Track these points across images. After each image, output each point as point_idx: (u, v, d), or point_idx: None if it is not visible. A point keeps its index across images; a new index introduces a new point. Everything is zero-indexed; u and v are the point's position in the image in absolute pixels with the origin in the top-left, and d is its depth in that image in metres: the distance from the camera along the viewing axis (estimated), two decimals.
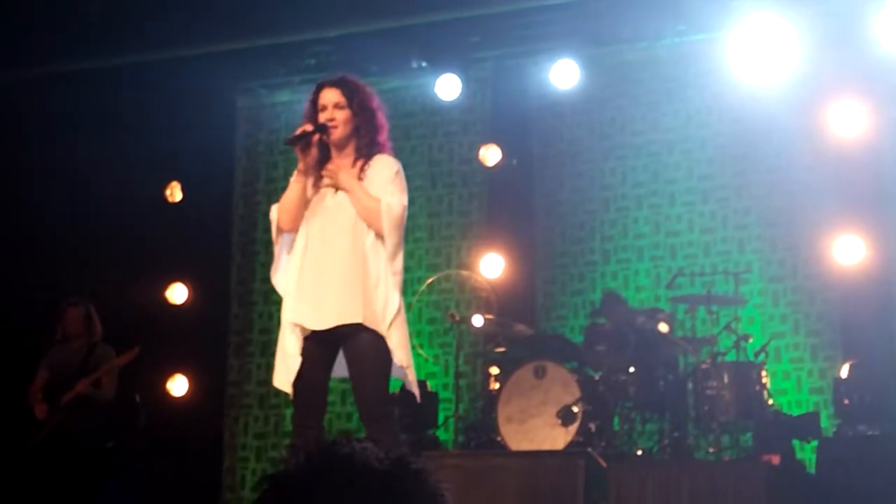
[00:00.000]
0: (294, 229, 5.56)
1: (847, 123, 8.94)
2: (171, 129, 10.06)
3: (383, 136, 5.61)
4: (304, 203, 5.54)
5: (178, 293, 10.57)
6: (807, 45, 9.16)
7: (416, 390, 5.54)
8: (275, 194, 10.89)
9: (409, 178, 10.36)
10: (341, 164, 5.53)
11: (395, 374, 5.49)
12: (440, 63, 10.09)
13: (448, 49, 10.02)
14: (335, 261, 5.41)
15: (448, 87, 10.12)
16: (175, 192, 10.57)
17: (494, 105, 10.35)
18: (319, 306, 5.40)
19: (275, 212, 5.64)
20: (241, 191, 11.06)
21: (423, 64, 10.15)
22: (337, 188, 5.50)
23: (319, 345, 5.43)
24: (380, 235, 5.39)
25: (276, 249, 5.65)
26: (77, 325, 9.04)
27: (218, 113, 10.64)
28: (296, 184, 5.54)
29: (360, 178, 5.47)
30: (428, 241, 10.51)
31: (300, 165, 5.54)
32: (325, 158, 5.55)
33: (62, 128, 10.37)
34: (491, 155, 10.05)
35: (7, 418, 9.23)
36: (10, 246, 10.35)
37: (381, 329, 5.32)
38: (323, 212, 5.51)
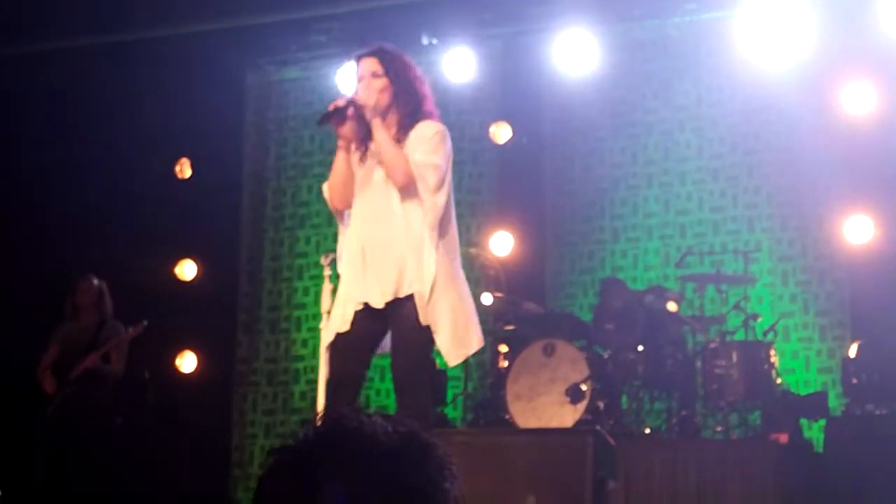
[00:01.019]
0: (347, 206, 5.52)
1: (859, 102, 8.91)
2: (180, 105, 10.06)
3: (428, 105, 5.55)
4: (350, 179, 5.48)
5: (187, 270, 10.58)
6: (819, 24, 9.12)
7: (450, 354, 5.42)
8: (284, 171, 10.95)
9: None
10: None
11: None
12: (451, 40, 10.06)
13: (459, 26, 9.99)
14: (380, 238, 5.38)
15: (459, 64, 10.10)
16: (184, 169, 10.57)
17: (505, 83, 10.32)
18: (371, 285, 5.37)
19: (326, 191, 5.61)
20: (250, 167, 11.05)
21: (434, 41, 10.12)
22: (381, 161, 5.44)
23: (368, 319, 5.40)
24: (416, 198, 5.31)
25: (340, 230, 5.62)
26: (89, 296, 9.05)
27: (227, 89, 10.61)
28: (338, 160, 5.50)
29: (400, 144, 5.40)
30: None
31: (339, 141, 5.50)
32: (369, 131, 5.48)
33: (71, 104, 10.38)
34: (501, 133, 10.03)
35: (18, 395, 9.26)
36: (19, 223, 10.37)
37: (424, 295, 5.28)
38: (370, 187, 5.45)
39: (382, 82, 5.45)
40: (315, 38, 10.16)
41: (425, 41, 10.11)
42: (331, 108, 5.46)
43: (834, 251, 9.15)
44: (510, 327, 8.92)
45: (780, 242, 9.40)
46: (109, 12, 9.91)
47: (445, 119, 10.34)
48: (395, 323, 5.38)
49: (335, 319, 5.49)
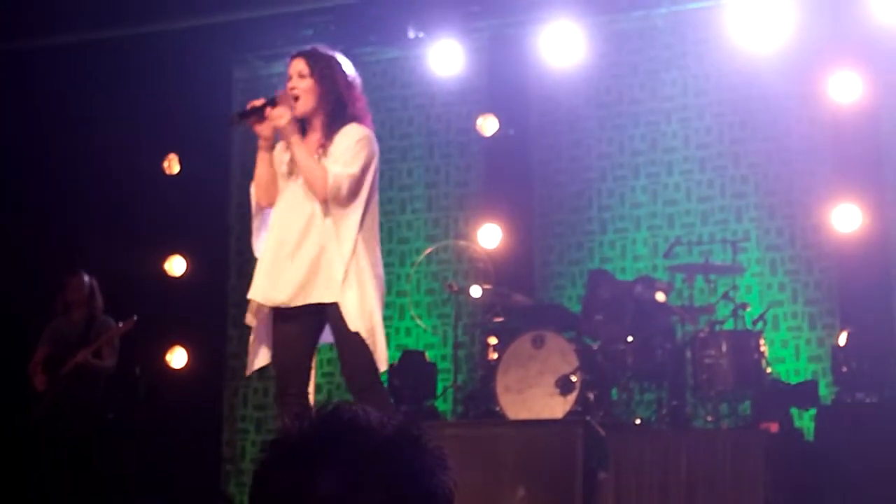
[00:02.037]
0: (271, 204, 5.56)
1: (844, 91, 8.92)
2: (168, 101, 10.04)
3: (355, 107, 5.51)
4: (273, 178, 5.52)
5: (176, 265, 10.57)
6: (804, 13, 9.14)
7: (380, 359, 5.37)
8: None
9: (406, 149, 10.52)
10: (310, 140, 5.47)
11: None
12: (437, 33, 10.06)
13: (445, 19, 9.99)
14: (295, 237, 5.40)
15: (445, 57, 10.11)
16: (173, 165, 10.55)
17: (492, 75, 10.32)
18: (281, 283, 5.40)
19: (253, 189, 5.63)
20: (238, 161, 11.02)
21: (421, 34, 10.12)
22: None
23: (288, 320, 5.44)
24: (324, 203, 5.34)
25: (255, 224, 5.64)
26: (79, 292, 9.04)
27: (215, 84, 10.61)
28: (260, 160, 5.52)
29: (324, 152, 5.41)
30: (426, 212, 10.50)
31: (259, 141, 5.51)
32: (301, 133, 5.50)
33: (58, 100, 10.35)
34: (488, 125, 10.03)
35: (9, 392, 9.25)
36: (7, 220, 10.35)
37: (336, 297, 5.30)
38: (288, 186, 5.50)
39: (308, 83, 5.45)
40: (302, 32, 10.14)
41: (412, 34, 10.12)
42: (248, 106, 5.47)
43: (822, 240, 9.17)
44: (499, 319, 8.93)
45: (769, 232, 9.42)
46: (95, 9, 9.90)
47: (432, 111, 10.54)
48: (333, 327, 5.41)
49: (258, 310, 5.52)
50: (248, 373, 5.85)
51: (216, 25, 10.17)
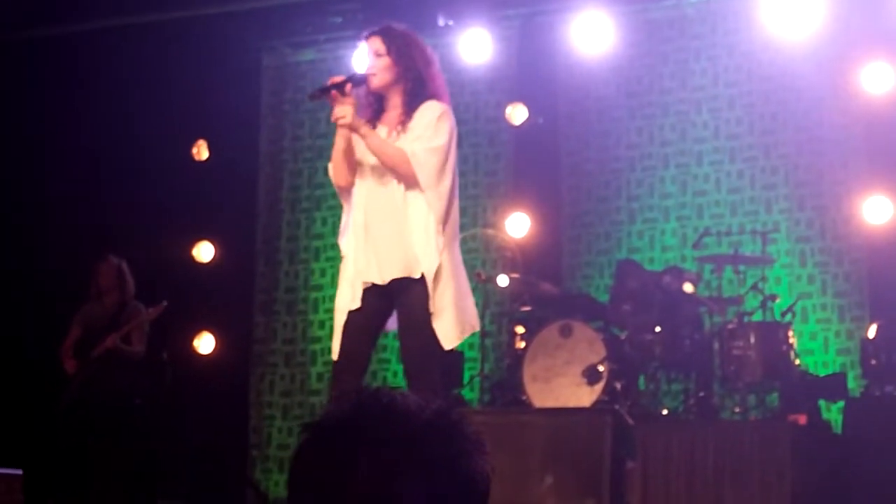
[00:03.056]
0: (349, 183, 5.51)
1: (877, 82, 8.87)
2: (196, 87, 10.06)
3: (434, 84, 5.49)
4: (351, 155, 5.47)
5: (204, 251, 10.60)
6: (836, 3, 9.09)
7: (447, 338, 5.34)
8: (300, 153, 10.95)
9: None
10: (389, 117, 5.46)
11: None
12: (467, 21, 10.05)
13: (475, 7, 9.98)
14: (383, 215, 5.38)
15: (475, 45, 10.09)
16: (201, 151, 10.58)
17: (521, 63, 10.29)
18: (373, 261, 5.38)
19: (330, 169, 5.61)
20: (266, 149, 11.05)
21: (450, 22, 10.11)
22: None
23: (376, 297, 5.42)
24: (415, 184, 5.31)
25: (345, 208, 5.62)
26: (110, 278, 9.08)
27: (243, 71, 10.62)
28: (338, 137, 5.49)
29: (403, 129, 5.40)
30: None
31: (338, 120, 5.47)
32: (378, 111, 5.49)
33: (89, 86, 10.39)
34: (517, 114, 10.01)
35: (40, 376, 9.30)
36: (38, 205, 10.40)
37: (429, 281, 5.28)
38: (374, 167, 5.45)
39: (385, 61, 5.43)
40: (331, 19, 10.15)
41: (441, 22, 10.11)
42: (329, 83, 5.44)
43: (852, 232, 9.12)
44: (527, 308, 8.92)
45: (798, 223, 9.37)
46: None
47: (461, 100, 10.50)
48: (401, 305, 5.39)
49: (344, 297, 5.49)
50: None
51: (245, 12, 10.19)
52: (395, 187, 5.37)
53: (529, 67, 10.23)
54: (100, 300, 9.10)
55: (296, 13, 10.32)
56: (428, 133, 5.33)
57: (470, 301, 5.51)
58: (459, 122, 10.35)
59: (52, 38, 10.57)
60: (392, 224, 5.36)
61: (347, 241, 5.53)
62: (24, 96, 10.55)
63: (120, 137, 10.25)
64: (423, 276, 5.30)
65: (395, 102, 5.47)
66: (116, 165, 10.31)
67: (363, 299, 5.43)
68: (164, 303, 8.93)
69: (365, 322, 5.46)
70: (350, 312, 5.46)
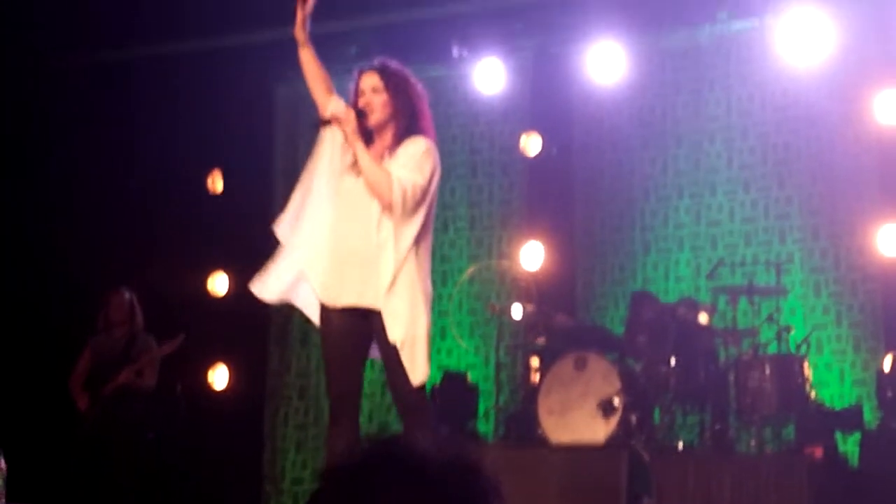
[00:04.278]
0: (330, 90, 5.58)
1: (889, 111, 8.86)
2: (211, 119, 10.10)
3: (424, 122, 5.54)
4: (323, 72, 5.66)
5: (219, 283, 10.61)
6: (849, 33, 9.08)
7: (415, 373, 5.29)
8: None
9: (449, 168, 10.50)
10: (375, 148, 5.48)
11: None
12: (481, 52, 10.07)
13: (489, 37, 10.00)
14: (355, 240, 5.38)
15: (489, 75, 10.12)
16: (216, 182, 10.60)
17: (535, 94, 10.31)
18: (346, 285, 5.38)
19: (311, 87, 5.70)
20: (281, 181, 11.06)
21: (465, 52, 10.13)
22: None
23: (357, 319, 5.40)
24: (389, 209, 5.32)
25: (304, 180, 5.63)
26: (121, 312, 9.09)
27: (258, 103, 10.65)
28: (303, 58, 5.73)
29: (390, 155, 5.42)
30: (469, 231, 10.50)
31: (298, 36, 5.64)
32: (367, 142, 5.50)
33: (104, 118, 10.42)
34: (531, 144, 10.03)
35: (51, 409, 9.30)
36: (53, 235, 10.42)
37: (381, 305, 5.27)
38: (349, 189, 5.45)
39: (382, 98, 5.48)
40: (346, 50, 10.16)
41: (455, 53, 10.12)
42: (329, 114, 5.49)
43: (866, 262, 9.09)
44: (541, 340, 8.90)
45: (812, 253, 9.35)
46: (140, 27, 9.96)
47: (475, 130, 10.53)
48: (378, 337, 5.37)
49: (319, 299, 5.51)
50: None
51: (259, 44, 10.21)
52: (370, 213, 5.38)
53: (543, 98, 10.24)
54: (109, 332, 9.10)
55: (311, 43, 10.33)
56: (411, 164, 5.37)
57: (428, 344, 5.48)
58: (473, 151, 10.52)
59: (66, 70, 10.61)
60: (362, 252, 5.35)
61: (313, 259, 5.51)
62: (40, 127, 10.59)
63: (135, 168, 10.29)
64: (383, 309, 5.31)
65: (385, 136, 5.52)
66: (132, 196, 10.34)
67: (343, 324, 5.42)
68: (181, 336, 8.94)
69: (348, 352, 5.46)
70: (332, 347, 5.46)
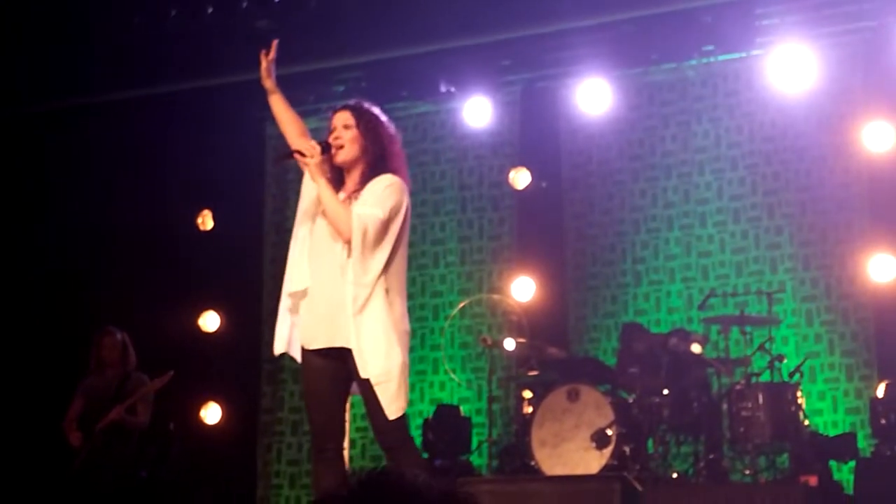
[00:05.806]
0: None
1: (878, 140, 8.90)
2: (201, 157, 10.11)
3: (395, 163, 5.54)
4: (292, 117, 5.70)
5: (210, 321, 10.60)
6: (836, 64, 9.14)
7: (390, 408, 5.26)
8: None
9: (439, 203, 10.54)
10: (345, 188, 5.50)
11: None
12: (469, 87, 10.11)
13: (477, 73, 10.04)
14: (324, 282, 5.37)
15: (477, 110, 10.15)
16: (206, 221, 10.61)
17: (523, 128, 10.35)
18: (315, 325, 5.39)
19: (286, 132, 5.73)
20: (271, 218, 11.08)
21: (452, 88, 10.17)
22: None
23: (333, 360, 5.39)
24: (349, 245, 5.31)
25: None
26: (112, 353, 9.06)
27: (247, 141, 10.68)
28: (275, 109, 5.73)
29: (356, 196, 5.41)
30: (459, 266, 10.50)
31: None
32: (338, 182, 5.53)
33: (93, 158, 10.44)
34: (520, 178, 10.05)
35: (43, 448, 9.26)
36: (44, 275, 10.42)
37: (350, 343, 5.26)
38: (317, 223, 5.47)
39: (352, 133, 5.51)
40: (335, 88, 10.20)
41: (443, 89, 10.17)
42: (292, 149, 5.55)
43: (858, 290, 9.11)
44: (534, 372, 8.90)
45: (804, 282, 9.37)
46: (130, 67, 9.98)
47: (464, 165, 10.56)
48: (354, 375, 5.34)
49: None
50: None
51: (249, 83, 10.17)
52: (336, 253, 5.37)
53: (532, 132, 10.27)
54: (101, 372, 9.07)
55: (299, 82, 10.33)
56: (371, 200, 5.37)
57: (406, 379, 5.46)
58: (463, 187, 10.54)
59: (56, 112, 10.63)
60: (332, 292, 5.35)
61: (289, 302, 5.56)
62: (31, 169, 10.60)
63: (125, 207, 10.28)
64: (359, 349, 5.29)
65: (354, 176, 5.52)
66: (122, 235, 10.33)
67: (320, 365, 5.41)
68: (171, 373, 8.91)
69: (330, 389, 5.44)
70: (312, 382, 5.45)
